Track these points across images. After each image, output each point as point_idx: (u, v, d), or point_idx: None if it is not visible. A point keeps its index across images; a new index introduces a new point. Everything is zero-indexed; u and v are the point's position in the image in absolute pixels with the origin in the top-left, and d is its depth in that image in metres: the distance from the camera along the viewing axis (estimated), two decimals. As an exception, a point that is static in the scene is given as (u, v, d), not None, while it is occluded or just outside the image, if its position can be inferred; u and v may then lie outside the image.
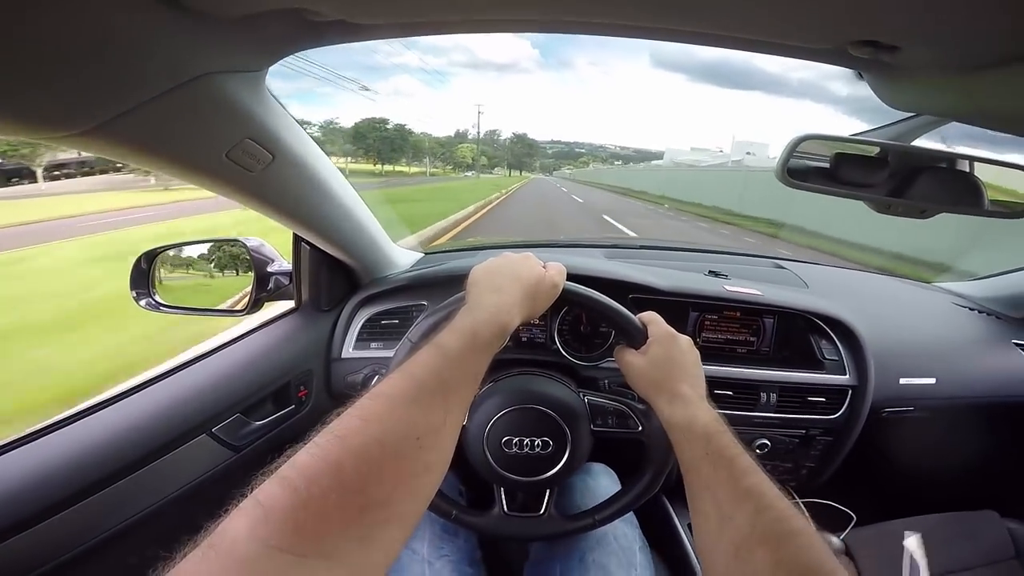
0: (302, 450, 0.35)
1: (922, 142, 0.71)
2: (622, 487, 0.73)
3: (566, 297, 0.65)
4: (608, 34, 0.48)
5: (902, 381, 1.10)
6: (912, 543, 1.05)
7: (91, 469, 0.63)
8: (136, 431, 0.69)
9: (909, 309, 1.31)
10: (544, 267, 0.63)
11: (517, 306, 0.55)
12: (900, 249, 6.88)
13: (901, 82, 0.50)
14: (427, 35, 0.53)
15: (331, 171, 0.78)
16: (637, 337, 0.66)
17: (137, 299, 0.92)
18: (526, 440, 0.70)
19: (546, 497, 0.75)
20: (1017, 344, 1.22)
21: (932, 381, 1.12)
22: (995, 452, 1.31)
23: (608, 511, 0.71)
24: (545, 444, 0.70)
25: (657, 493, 0.68)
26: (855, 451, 1.08)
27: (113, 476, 0.64)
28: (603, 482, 0.93)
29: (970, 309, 1.31)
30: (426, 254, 1.28)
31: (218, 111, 0.53)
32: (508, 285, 0.57)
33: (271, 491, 0.31)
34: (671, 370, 0.62)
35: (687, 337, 0.66)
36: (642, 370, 0.63)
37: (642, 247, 1.52)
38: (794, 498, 1.17)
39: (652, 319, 0.67)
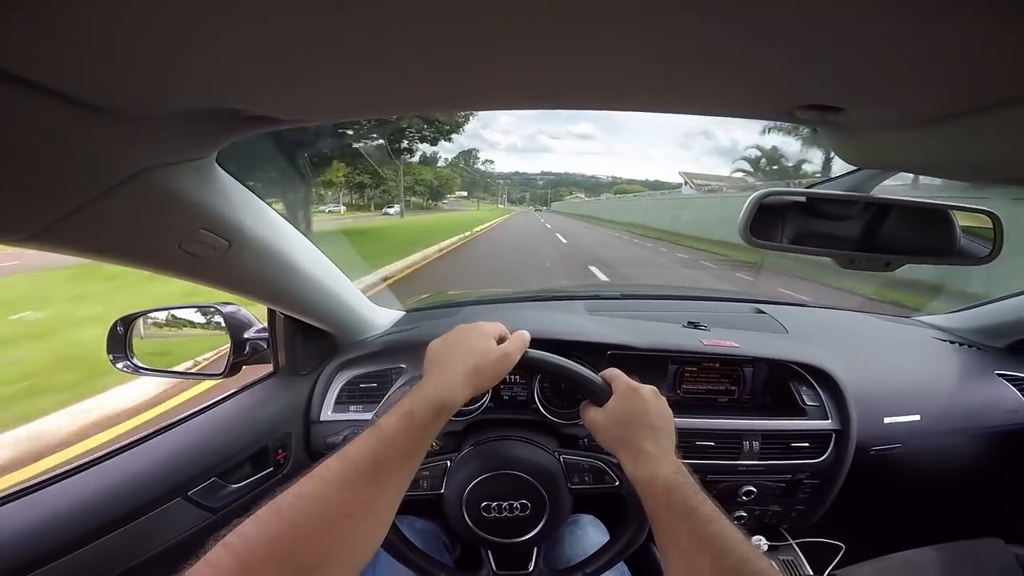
0: (247, 520, 0.41)
1: (882, 190, 0.72)
2: (610, 538, 0.73)
3: (527, 363, 0.66)
4: (559, 108, 0.49)
5: (887, 420, 1.11)
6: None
7: (64, 532, 0.62)
8: (111, 495, 0.68)
9: (890, 348, 1.31)
10: (502, 337, 0.63)
11: (461, 383, 0.56)
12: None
13: (854, 138, 0.51)
14: (355, 119, 0.54)
15: (296, 243, 0.78)
16: (600, 395, 0.66)
17: (114, 362, 0.92)
18: (504, 504, 0.71)
19: (534, 555, 0.75)
20: (1000, 374, 1.23)
21: (917, 418, 1.13)
22: (992, 480, 1.30)
23: (596, 564, 0.71)
24: (523, 507, 0.71)
25: (645, 541, 0.68)
26: (847, 488, 1.07)
27: (86, 538, 0.63)
28: (591, 532, 0.94)
29: (951, 342, 1.32)
30: (407, 311, 1.29)
31: (166, 204, 0.52)
32: (454, 362, 0.58)
33: (219, 555, 0.38)
34: (633, 426, 0.62)
35: (651, 388, 0.66)
36: (604, 426, 0.64)
37: (623, 296, 1.54)
38: (789, 539, 1.17)
39: (613, 375, 0.68)
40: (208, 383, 2.89)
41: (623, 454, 0.62)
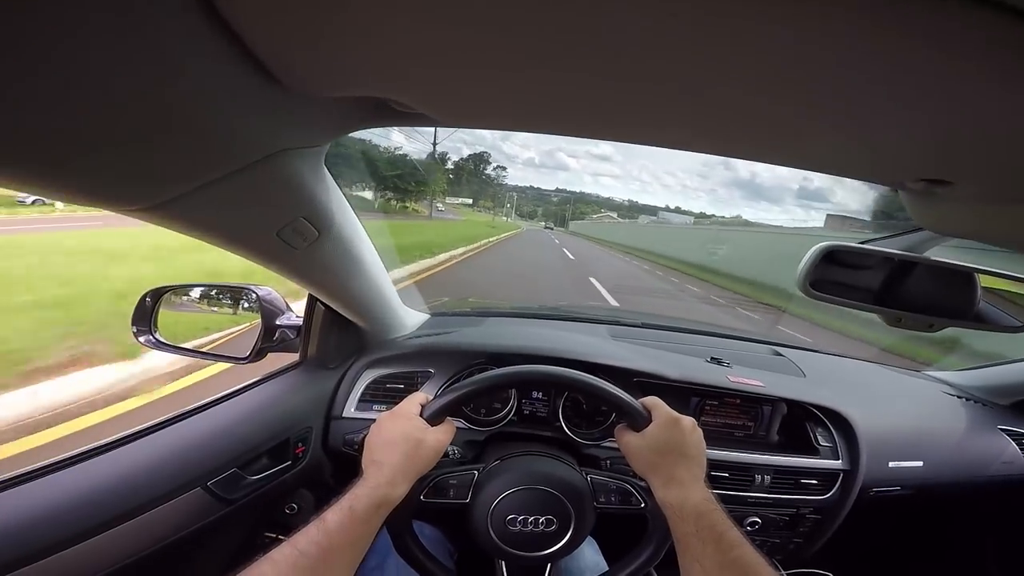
0: None
1: (936, 253, 0.74)
2: (606, 559, 0.75)
3: (573, 385, 0.68)
4: (692, 151, 0.50)
5: (891, 464, 1.15)
6: None
7: (81, 517, 0.61)
8: (129, 481, 0.67)
9: (900, 397, 1.36)
10: (429, 424, 0.66)
11: (399, 476, 0.60)
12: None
13: (943, 208, 0.52)
14: (486, 129, 0.55)
15: (367, 243, 0.79)
16: (639, 420, 0.68)
17: (137, 335, 0.90)
18: (531, 518, 0.71)
19: (546, 572, 0.77)
20: (1002, 429, 1.28)
21: (919, 464, 1.17)
22: (984, 526, 1.35)
23: None
24: (549, 522, 0.72)
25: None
26: (846, 524, 1.11)
27: (105, 524, 0.62)
28: (587, 552, 0.96)
29: (958, 397, 1.37)
30: (432, 315, 1.29)
31: (279, 189, 0.53)
32: (386, 455, 0.61)
33: None
34: (668, 453, 0.66)
35: (691, 419, 0.69)
36: (641, 452, 0.67)
37: (643, 325, 1.56)
38: (779, 570, 1.20)
39: (654, 404, 0.71)
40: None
41: (655, 479, 0.65)
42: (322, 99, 0.43)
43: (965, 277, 0.71)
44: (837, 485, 1.08)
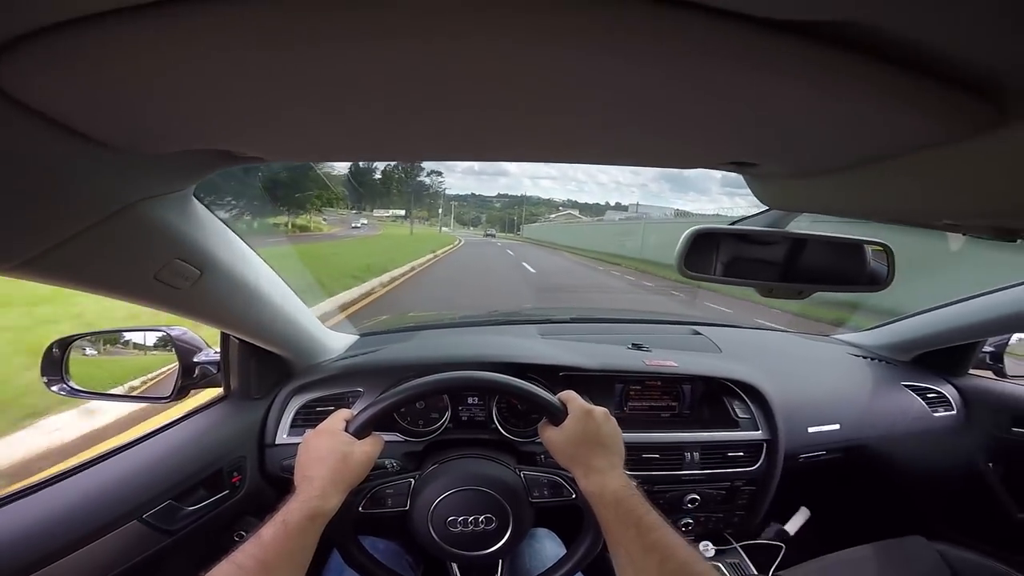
0: None
1: (797, 224, 0.81)
2: (567, 549, 0.77)
3: (491, 386, 0.72)
4: (505, 160, 0.54)
5: (810, 430, 1.22)
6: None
7: (19, 551, 0.60)
8: (62, 518, 0.66)
9: (811, 363, 1.45)
10: (355, 438, 0.68)
11: (329, 488, 0.61)
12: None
13: (769, 185, 0.58)
14: (337, 161, 0.57)
15: (261, 271, 0.79)
16: (557, 415, 0.71)
17: (49, 385, 0.87)
18: (470, 518, 0.74)
19: (499, 568, 0.80)
20: (905, 385, 1.39)
21: (837, 427, 1.25)
22: (908, 480, 1.44)
23: (559, 573, 0.74)
24: (488, 520, 0.74)
25: (601, 552, 0.72)
26: (783, 492, 1.17)
27: (39, 563, 0.61)
28: (548, 545, 0.98)
29: (864, 357, 1.47)
30: (361, 335, 1.30)
31: (145, 236, 0.53)
32: (315, 470, 0.62)
33: None
34: (585, 444, 0.68)
35: (603, 410, 0.72)
36: (561, 445, 0.70)
37: (572, 320, 1.61)
38: (698, 542, 1.23)
39: (569, 397, 0.74)
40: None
41: (577, 470, 0.68)
42: (162, 153, 0.44)
43: (822, 245, 0.80)
44: (763, 455, 1.14)
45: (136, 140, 0.40)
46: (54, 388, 0.88)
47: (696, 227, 0.74)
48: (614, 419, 0.72)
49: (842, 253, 0.81)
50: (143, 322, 1.00)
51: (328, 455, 0.64)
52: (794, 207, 0.70)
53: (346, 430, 0.68)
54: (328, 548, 0.79)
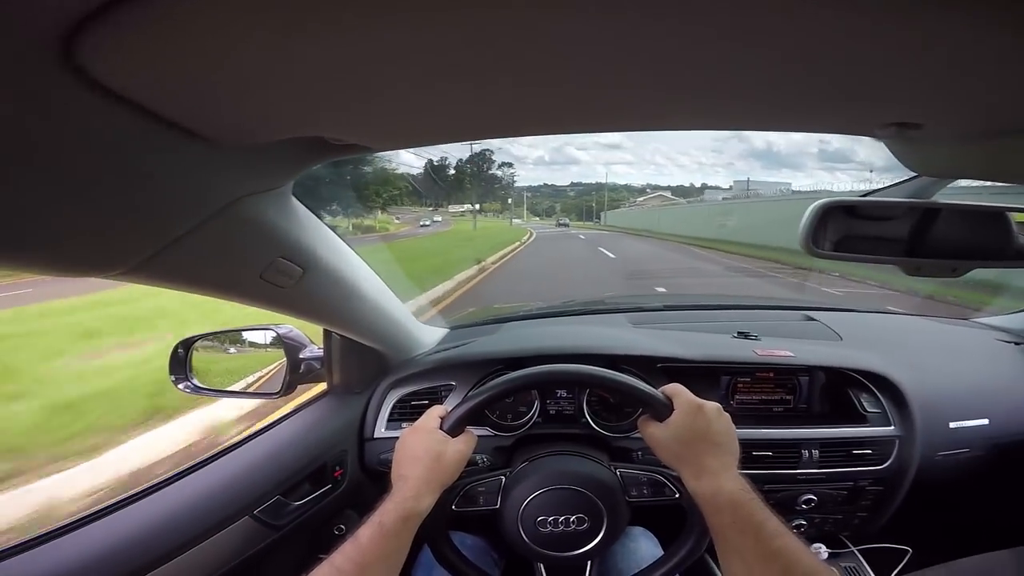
0: None
1: (943, 196, 0.71)
2: (665, 551, 0.73)
3: (588, 381, 0.69)
4: (641, 129, 0.50)
5: (952, 425, 1.08)
6: None
7: (136, 555, 0.64)
8: (179, 516, 0.70)
9: (952, 350, 1.28)
10: (450, 436, 0.67)
11: (423, 488, 0.62)
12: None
13: (923, 150, 0.51)
14: (438, 144, 0.56)
15: (359, 268, 0.81)
16: (662, 411, 0.66)
17: (176, 383, 0.96)
18: (561, 518, 0.71)
19: (588, 569, 0.76)
20: None
21: (985, 422, 1.10)
22: None
23: (656, 574, 0.71)
24: (580, 520, 0.71)
25: (701, 555, 0.69)
26: (915, 492, 1.05)
27: (157, 561, 0.65)
28: (643, 544, 0.94)
29: (1016, 343, 1.28)
30: (451, 328, 1.31)
31: (249, 234, 0.55)
32: (410, 469, 0.63)
33: None
34: (695, 442, 0.63)
35: (715, 404, 0.66)
36: (666, 443, 0.65)
37: (665, 307, 1.53)
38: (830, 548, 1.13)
39: (676, 391, 0.68)
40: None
41: (685, 470, 0.63)
42: (258, 145, 0.44)
43: (984, 216, 0.68)
44: (894, 453, 1.02)
45: (235, 131, 0.40)
46: (180, 386, 0.95)
47: (824, 200, 0.66)
48: (727, 415, 0.66)
49: (997, 223, 0.69)
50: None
51: (423, 454, 0.64)
52: (952, 173, 0.60)
53: (440, 427, 0.68)
54: (420, 544, 0.80)
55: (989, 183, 0.59)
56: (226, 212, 0.49)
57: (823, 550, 1.13)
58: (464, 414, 0.68)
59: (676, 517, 0.71)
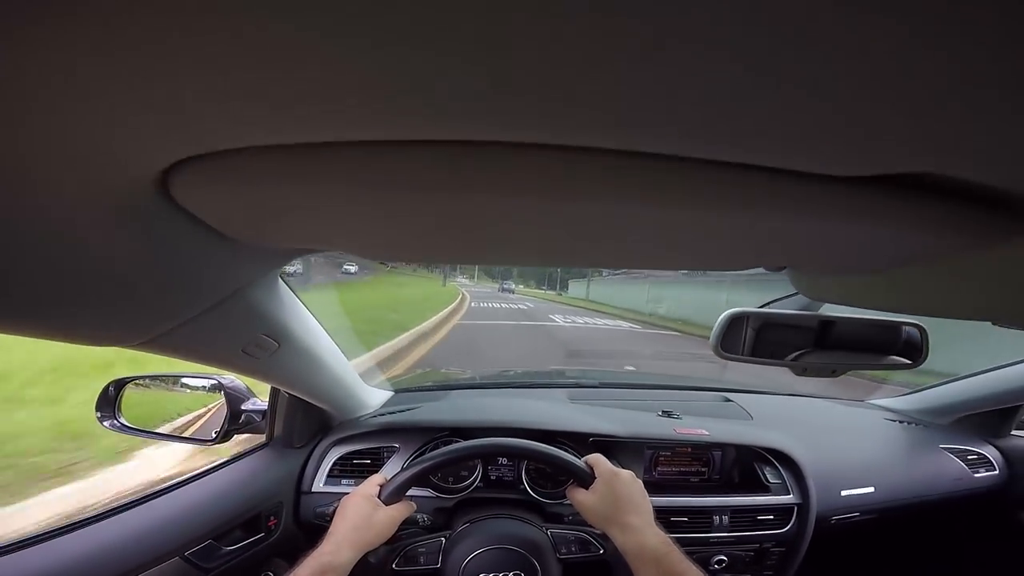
0: None
1: (829, 308, 0.83)
2: None
3: (522, 453, 0.78)
4: (566, 266, 0.56)
5: (843, 493, 1.21)
6: None
7: None
8: (110, 552, 0.70)
9: (845, 429, 1.44)
10: (385, 504, 0.72)
11: (344, 544, 0.65)
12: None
13: (810, 279, 0.59)
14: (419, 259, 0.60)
15: (324, 341, 0.85)
16: (585, 478, 0.75)
17: (101, 420, 0.93)
18: (500, 575, 0.77)
19: None
20: (944, 448, 1.37)
21: (871, 490, 1.24)
22: (943, 540, 1.42)
23: None
24: None
25: None
26: (812, 552, 1.16)
27: None
28: None
29: (900, 422, 1.45)
30: (396, 392, 1.35)
31: (243, 315, 0.59)
32: (337, 526, 0.68)
33: None
34: (617, 503, 0.71)
35: (629, 472, 0.75)
36: (593, 506, 0.73)
37: (601, 385, 1.64)
38: None
39: (596, 460, 0.77)
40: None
41: (612, 529, 0.70)
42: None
43: (856, 325, 0.81)
44: (793, 518, 1.14)
45: (266, 240, 0.45)
46: (106, 424, 0.93)
47: (731, 310, 0.77)
48: (640, 480, 0.75)
49: (875, 332, 0.83)
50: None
51: (352, 515, 0.69)
52: (830, 300, 0.71)
53: (379, 495, 0.72)
54: None
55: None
56: (230, 298, 0.54)
57: None
58: (401, 485, 0.73)
59: (603, 573, 0.78)
